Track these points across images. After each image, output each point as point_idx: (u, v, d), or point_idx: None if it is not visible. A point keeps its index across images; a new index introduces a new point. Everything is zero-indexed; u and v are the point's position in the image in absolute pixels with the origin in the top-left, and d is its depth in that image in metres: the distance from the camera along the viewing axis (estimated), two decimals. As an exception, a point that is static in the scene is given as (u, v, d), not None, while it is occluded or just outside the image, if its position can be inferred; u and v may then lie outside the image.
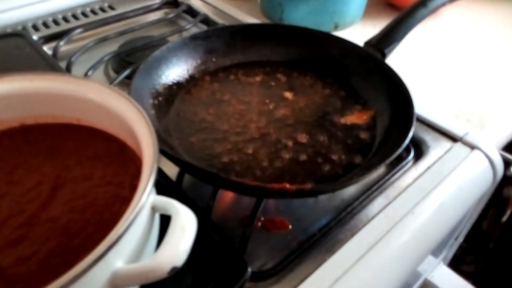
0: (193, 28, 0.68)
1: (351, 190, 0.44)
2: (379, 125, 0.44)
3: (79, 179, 0.29)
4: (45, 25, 0.67)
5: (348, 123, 0.45)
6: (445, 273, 0.57)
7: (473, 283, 0.54)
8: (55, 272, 0.20)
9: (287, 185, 0.30)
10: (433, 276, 0.55)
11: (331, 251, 0.36)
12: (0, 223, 0.25)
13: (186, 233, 0.24)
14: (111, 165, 0.30)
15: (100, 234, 0.25)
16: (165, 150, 0.34)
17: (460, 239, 0.60)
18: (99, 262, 0.20)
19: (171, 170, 0.40)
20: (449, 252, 0.61)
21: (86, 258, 0.20)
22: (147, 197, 0.23)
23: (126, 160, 0.30)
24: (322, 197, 0.43)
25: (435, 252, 0.54)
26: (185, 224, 0.24)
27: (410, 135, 0.37)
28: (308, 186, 0.31)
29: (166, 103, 0.45)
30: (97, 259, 0.20)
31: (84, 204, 0.27)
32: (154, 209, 0.26)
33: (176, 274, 0.26)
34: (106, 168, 0.30)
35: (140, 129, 0.27)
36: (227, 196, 0.42)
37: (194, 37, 0.50)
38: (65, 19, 0.69)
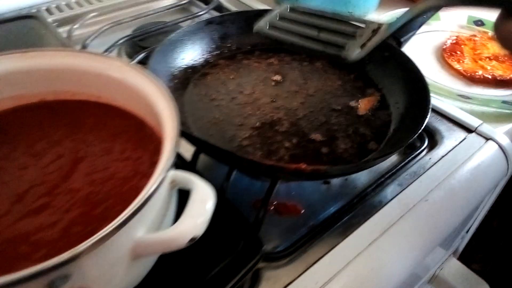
0: (205, 15, 0.68)
1: (363, 178, 0.44)
2: (394, 112, 0.44)
3: (99, 153, 0.29)
4: (59, 8, 0.68)
5: (363, 110, 0.45)
6: (455, 267, 0.57)
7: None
8: (78, 239, 0.21)
9: (303, 165, 0.30)
10: (443, 268, 0.55)
11: (344, 234, 0.36)
12: (24, 192, 0.26)
13: (205, 206, 0.24)
14: (129, 141, 0.31)
15: (121, 206, 0.25)
16: (183, 129, 0.34)
17: (471, 232, 0.60)
18: (122, 228, 0.20)
19: (186, 153, 0.41)
20: (460, 245, 0.61)
21: (112, 223, 0.20)
22: (170, 166, 0.23)
23: (144, 137, 0.31)
24: (335, 185, 0.43)
25: (446, 245, 0.54)
26: (204, 197, 0.25)
27: (426, 121, 0.37)
28: (324, 167, 0.31)
29: (181, 86, 0.46)
30: (121, 225, 0.20)
31: (104, 177, 0.28)
32: (173, 183, 0.27)
33: (193, 250, 0.27)
34: (125, 144, 0.30)
35: (161, 105, 0.28)
36: (239, 181, 0.43)
37: (210, 22, 0.50)
38: (78, 3, 0.69)
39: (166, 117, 0.27)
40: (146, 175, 0.28)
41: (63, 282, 0.21)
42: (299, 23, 0.40)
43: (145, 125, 0.32)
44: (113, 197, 0.26)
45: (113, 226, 0.20)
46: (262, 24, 0.40)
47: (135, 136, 0.31)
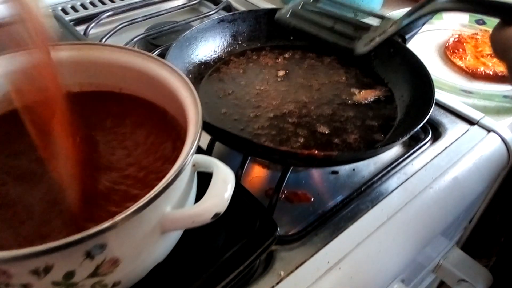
0: (215, 15, 0.70)
1: (370, 169, 0.46)
2: (399, 105, 0.46)
3: (125, 138, 0.31)
4: (74, 8, 0.70)
5: (362, 98, 0.46)
6: (459, 256, 0.58)
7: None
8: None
9: (316, 151, 0.32)
10: (446, 258, 0.57)
11: (353, 219, 0.38)
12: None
13: (227, 185, 0.26)
14: (153, 129, 0.33)
15: (147, 186, 0.27)
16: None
17: (473, 223, 0.62)
18: (154, 202, 0.22)
19: (201, 143, 0.43)
20: (463, 235, 0.63)
21: (145, 196, 0.22)
22: (196, 147, 0.25)
23: (167, 125, 0.33)
24: (343, 174, 0.45)
25: (449, 234, 0.56)
26: (226, 177, 0.27)
27: (430, 112, 0.39)
28: (335, 153, 0.33)
29: (195, 81, 0.48)
30: (154, 198, 0.22)
31: (130, 162, 0.30)
32: (195, 166, 0.29)
33: (212, 231, 0.29)
34: (148, 131, 0.32)
35: (183, 93, 0.30)
36: (251, 171, 0.45)
37: (222, 20, 0.53)
38: (92, 4, 0.72)
39: (189, 105, 0.29)
40: (169, 159, 0.30)
41: (100, 251, 0.23)
42: (318, 13, 0.42)
43: (167, 113, 0.34)
44: (139, 182, 0.28)
45: (147, 199, 0.22)
46: (283, 12, 0.42)
47: (158, 124, 0.33)
